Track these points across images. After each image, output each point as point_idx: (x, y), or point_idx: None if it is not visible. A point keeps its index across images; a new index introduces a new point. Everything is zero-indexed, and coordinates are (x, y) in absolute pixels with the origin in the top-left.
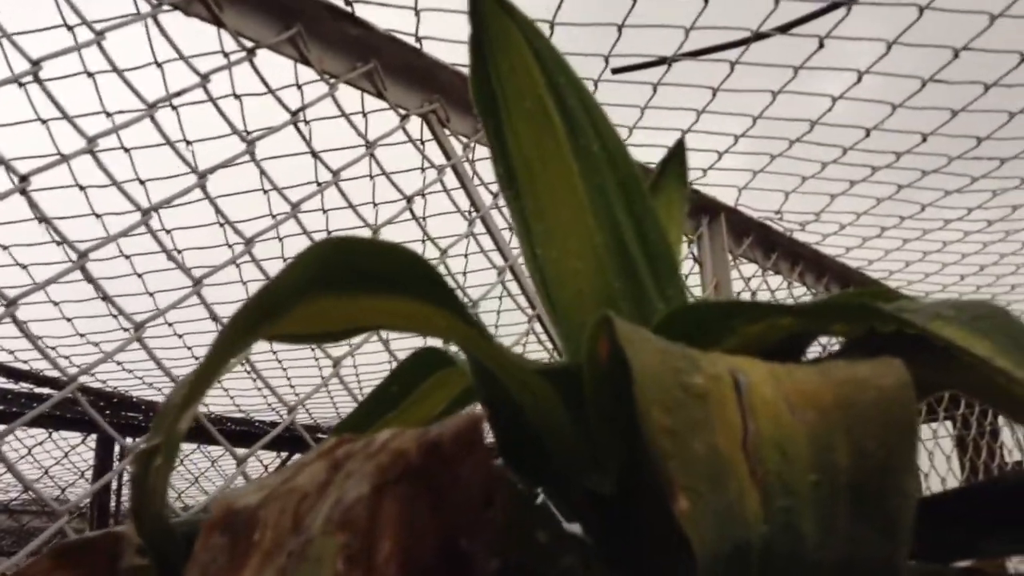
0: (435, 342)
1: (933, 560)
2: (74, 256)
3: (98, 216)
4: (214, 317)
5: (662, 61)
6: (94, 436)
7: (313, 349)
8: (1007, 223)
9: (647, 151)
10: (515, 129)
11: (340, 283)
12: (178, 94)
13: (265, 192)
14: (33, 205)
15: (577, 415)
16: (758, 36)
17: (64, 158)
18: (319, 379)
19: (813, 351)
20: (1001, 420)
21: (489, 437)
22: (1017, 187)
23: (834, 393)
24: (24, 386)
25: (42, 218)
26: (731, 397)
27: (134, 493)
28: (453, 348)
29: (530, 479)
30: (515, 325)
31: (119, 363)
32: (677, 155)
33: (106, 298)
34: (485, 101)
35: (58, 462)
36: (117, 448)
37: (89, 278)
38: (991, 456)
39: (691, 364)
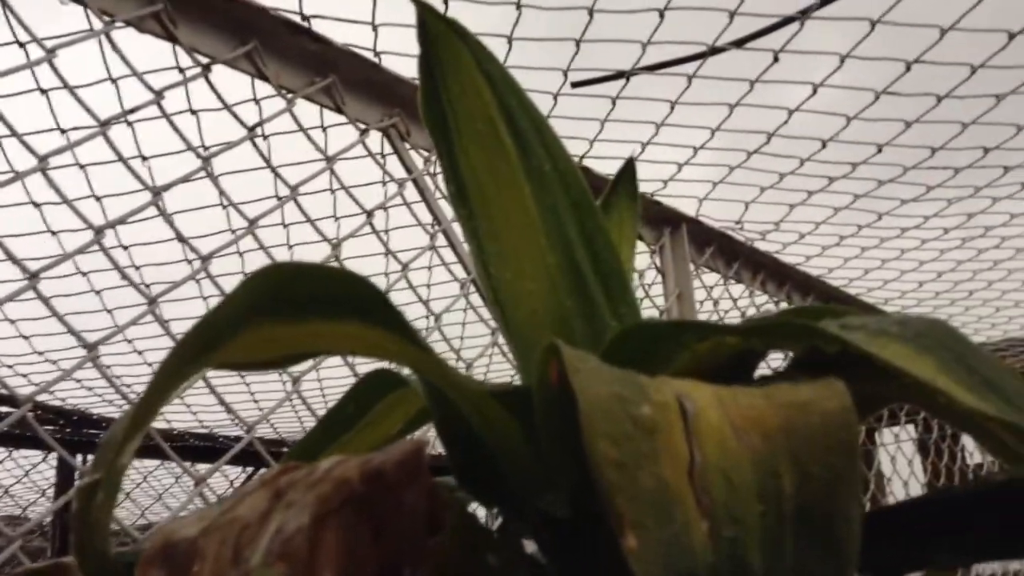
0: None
1: (885, 573)
2: (27, 275)
3: (54, 233)
4: (170, 335)
5: (620, 75)
6: (55, 454)
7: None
8: (963, 230)
9: (607, 163)
10: (467, 151)
11: (285, 309)
12: (132, 111)
13: (224, 207)
14: None
15: (530, 436)
16: (714, 50)
17: (18, 175)
18: (283, 392)
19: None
20: None
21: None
22: (971, 196)
23: (778, 417)
24: None
25: None
26: (678, 425)
27: (76, 529)
28: (405, 369)
29: (485, 499)
30: (479, 337)
31: (78, 380)
32: (627, 173)
33: (59, 318)
34: (436, 122)
35: (19, 480)
36: (79, 462)
37: (42, 298)
38: (952, 459)
39: (638, 393)
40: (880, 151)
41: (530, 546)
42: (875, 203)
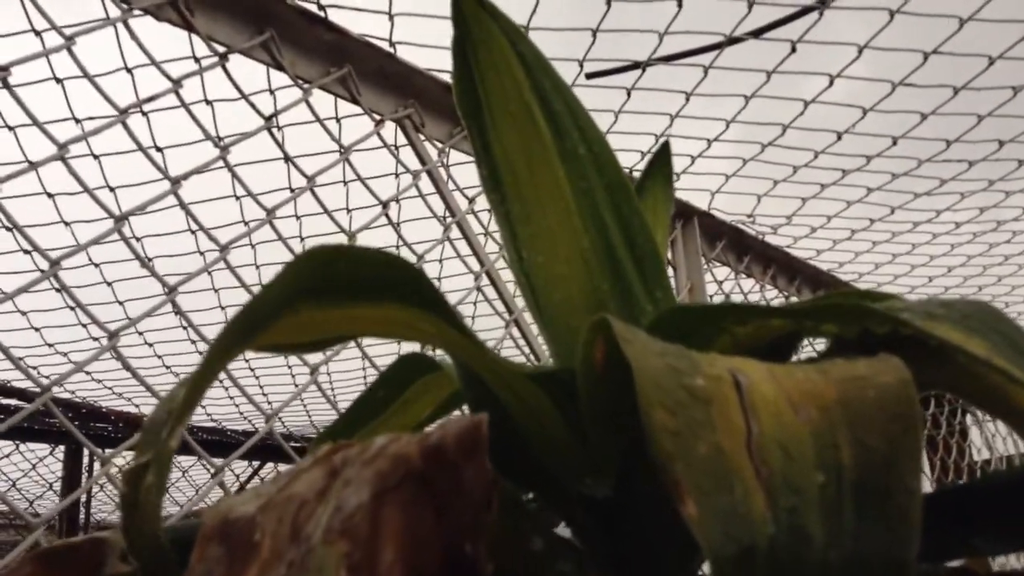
0: (409, 347)
1: (925, 559)
2: (44, 264)
3: (67, 224)
4: (189, 324)
5: (636, 66)
6: (62, 448)
7: (287, 358)
8: (975, 225)
9: (622, 156)
10: (500, 133)
11: (327, 293)
12: (150, 99)
13: (238, 199)
14: (0, 210)
15: (570, 419)
16: (731, 40)
17: (33, 165)
18: (293, 388)
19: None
20: (969, 419)
21: None
22: (985, 189)
23: (835, 390)
24: None
25: (12, 225)
26: (733, 397)
27: (125, 512)
28: (438, 352)
29: (519, 485)
30: (493, 330)
31: (88, 373)
32: (663, 156)
33: (79, 307)
34: (469, 105)
35: (26, 474)
36: (86, 459)
37: (62, 287)
38: (960, 455)
39: (691, 365)
40: (895, 143)
41: (563, 532)
42: (888, 196)
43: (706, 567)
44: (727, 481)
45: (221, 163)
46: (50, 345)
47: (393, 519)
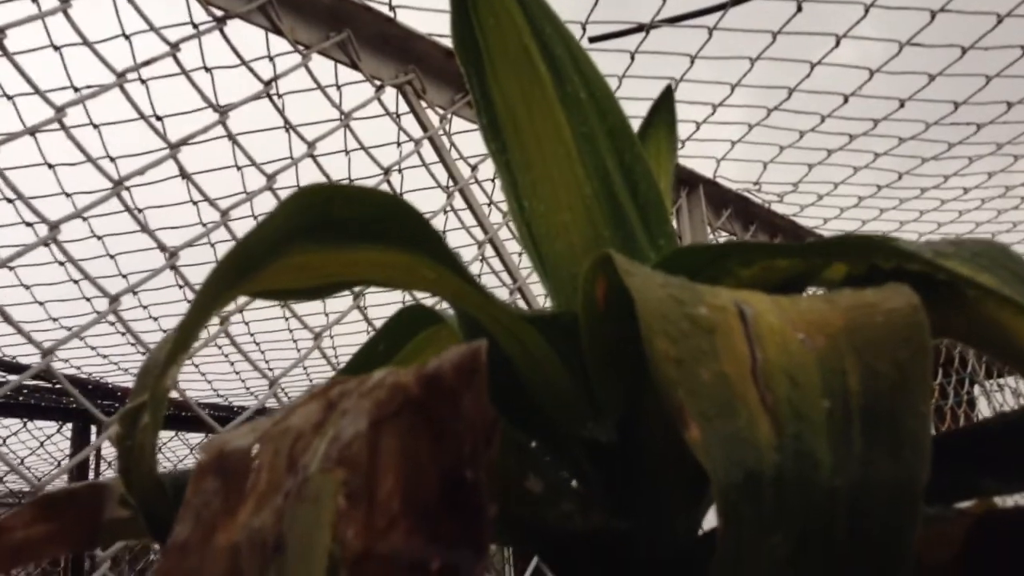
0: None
1: (933, 501)
2: (44, 230)
3: (68, 195)
4: (188, 284)
5: (640, 28)
6: (70, 425)
7: (288, 321)
8: (983, 190)
9: None
10: (499, 79)
11: (322, 233)
12: (149, 63)
13: (239, 168)
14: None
15: (572, 364)
16: (737, 0)
17: (31, 131)
18: (296, 356)
19: None
20: (977, 390)
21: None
22: (993, 153)
23: (842, 318)
24: None
25: (15, 194)
26: (737, 327)
27: (121, 453)
28: (440, 305)
29: (523, 432)
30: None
31: (93, 348)
32: (666, 102)
33: (80, 268)
34: (467, 51)
35: (33, 452)
36: (94, 437)
37: (62, 251)
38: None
39: (694, 296)
40: (903, 106)
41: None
42: (896, 161)
43: (711, 515)
44: (731, 407)
45: (222, 130)
46: (54, 319)
47: (391, 447)
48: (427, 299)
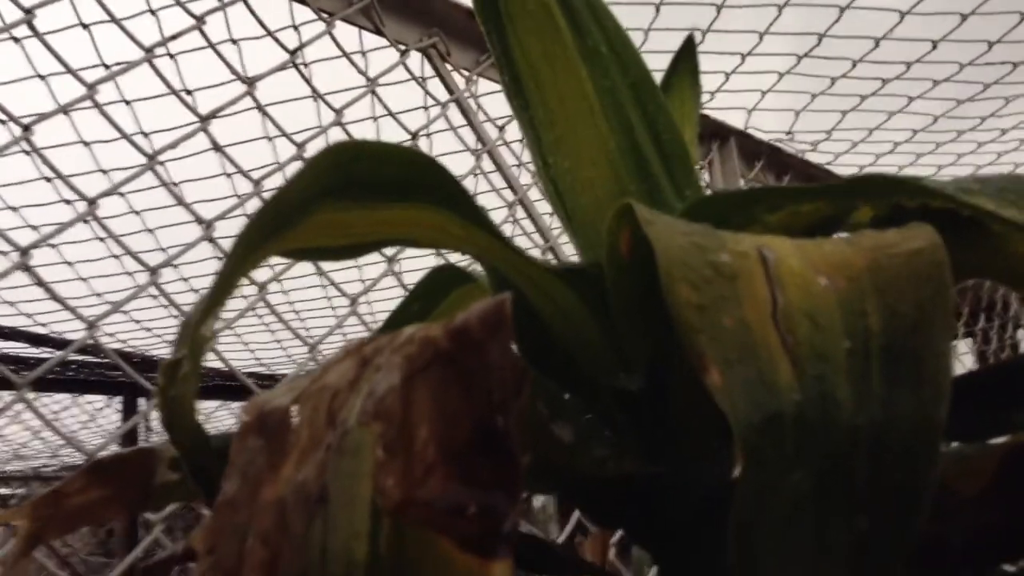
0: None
1: (968, 437)
2: (83, 207)
3: (105, 172)
4: (225, 255)
5: None
6: (119, 399)
7: (325, 290)
8: (1021, 131)
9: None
10: (519, 35)
11: (354, 191)
12: (175, 37)
13: (270, 139)
14: (35, 151)
15: (599, 315)
16: None
17: (64, 109)
18: (334, 322)
19: None
20: (1021, 334)
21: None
22: None
23: (864, 259)
24: (46, 351)
25: (53, 173)
26: (758, 271)
27: (163, 404)
28: (474, 266)
29: (555, 384)
30: None
31: (138, 322)
32: (687, 52)
33: (119, 242)
34: (487, 8)
35: (84, 425)
36: (142, 406)
37: (102, 226)
38: None
39: (716, 242)
40: (935, 47)
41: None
42: (930, 105)
43: None
44: (752, 351)
45: (251, 102)
46: (98, 295)
47: (424, 399)
48: (460, 261)
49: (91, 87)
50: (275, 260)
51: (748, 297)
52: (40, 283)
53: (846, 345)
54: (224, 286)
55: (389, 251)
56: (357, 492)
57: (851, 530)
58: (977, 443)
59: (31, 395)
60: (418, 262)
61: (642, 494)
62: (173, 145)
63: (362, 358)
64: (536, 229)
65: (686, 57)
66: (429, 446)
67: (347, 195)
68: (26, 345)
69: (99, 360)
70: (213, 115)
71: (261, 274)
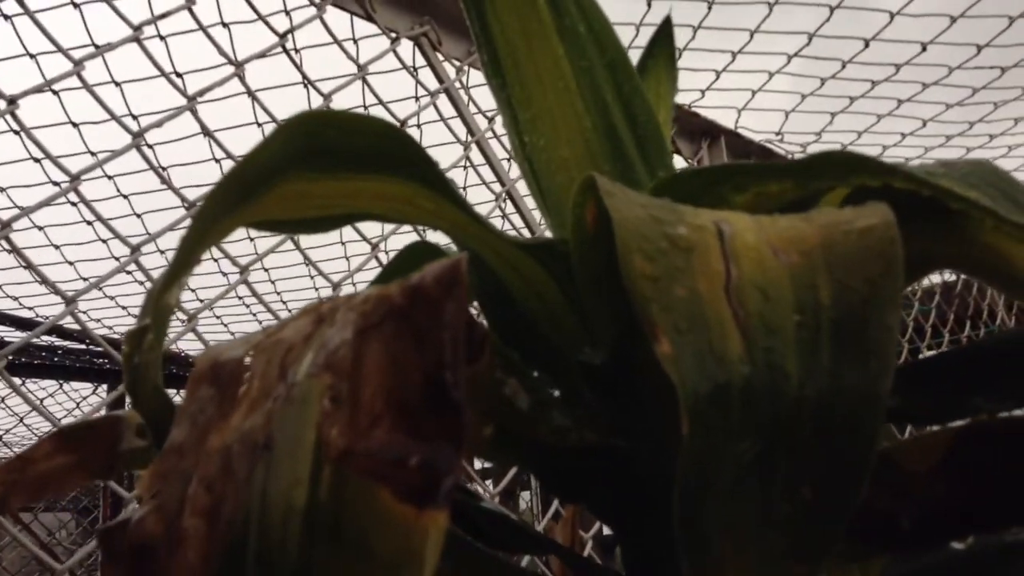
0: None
1: (928, 421)
2: (68, 182)
3: (93, 154)
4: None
5: None
6: (105, 386)
7: (313, 279)
8: (1009, 137)
9: None
10: (498, 14)
11: (322, 160)
12: (165, 15)
13: (259, 125)
14: (23, 129)
15: (566, 290)
16: None
17: (50, 83)
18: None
19: None
20: None
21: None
22: (1018, 98)
23: (818, 235)
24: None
25: (40, 152)
26: (714, 245)
27: (127, 371)
28: (446, 242)
29: (524, 361)
30: None
31: (124, 308)
32: (664, 34)
33: (103, 221)
34: None
35: (70, 413)
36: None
37: (85, 204)
38: None
39: (674, 216)
40: (924, 50)
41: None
42: (919, 108)
43: None
44: (703, 322)
45: (241, 87)
46: (84, 279)
47: (375, 353)
48: (449, 245)
49: (78, 63)
50: (263, 245)
51: (702, 269)
52: (15, 250)
53: (796, 318)
54: (187, 255)
55: (373, 236)
56: (301, 440)
57: (794, 499)
58: (933, 426)
59: (16, 380)
60: (402, 244)
61: (604, 467)
62: (159, 123)
63: (319, 315)
64: (523, 222)
65: (663, 40)
66: (376, 398)
67: (315, 164)
68: (11, 329)
69: (86, 347)
70: (200, 94)
71: (245, 256)
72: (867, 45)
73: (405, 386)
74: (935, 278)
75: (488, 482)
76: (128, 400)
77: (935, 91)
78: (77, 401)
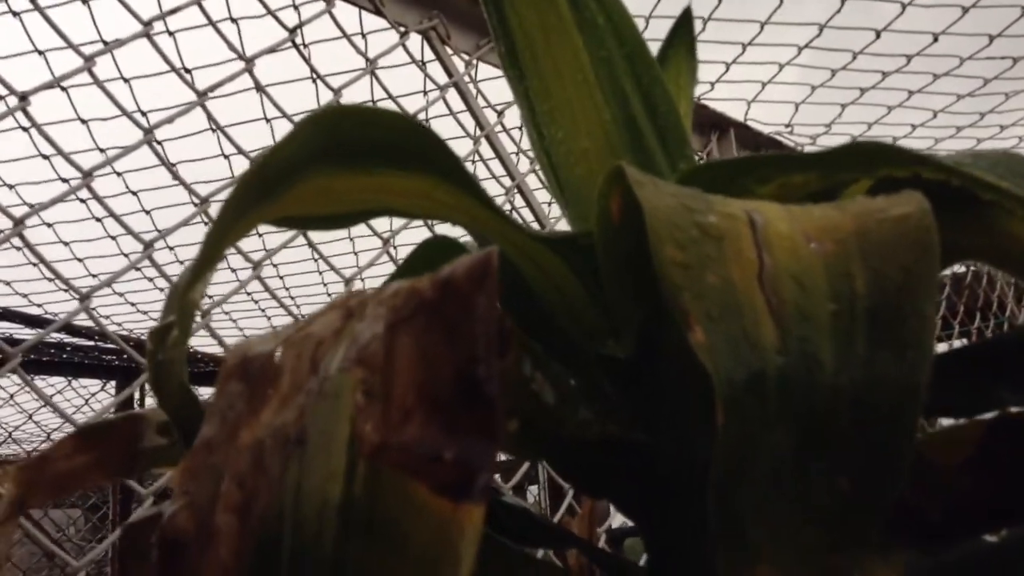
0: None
1: (956, 415)
2: (80, 179)
3: (102, 151)
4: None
5: None
6: (113, 383)
7: (321, 275)
8: (1020, 128)
9: None
10: (516, 6)
11: (345, 156)
12: (174, 11)
13: (268, 121)
14: (34, 125)
15: (588, 284)
16: None
17: (59, 80)
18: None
19: None
20: None
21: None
22: None
23: (851, 223)
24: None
25: (51, 149)
26: (746, 233)
27: (152, 368)
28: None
29: (544, 355)
30: None
31: (134, 304)
32: (684, 24)
33: (116, 217)
34: None
35: (79, 409)
36: (136, 394)
37: (97, 199)
38: None
39: (705, 204)
40: (936, 40)
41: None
42: (930, 99)
43: None
44: (736, 310)
45: (250, 82)
46: (94, 275)
47: (406, 347)
48: (463, 238)
49: (88, 59)
50: (272, 241)
51: (734, 257)
52: (28, 246)
53: (831, 307)
54: (212, 251)
55: (384, 230)
56: (335, 435)
57: (832, 491)
58: (961, 418)
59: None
60: (413, 240)
61: (628, 461)
62: (170, 119)
63: (347, 309)
64: (534, 216)
65: (683, 30)
66: (409, 392)
67: (334, 160)
68: (21, 326)
69: (95, 344)
70: (211, 90)
71: (256, 252)
72: (878, 36)
73: (437, 380)
74: (945, 271)
75: (496, 476)
76: (140, 398)
77: (946, 82)
78: (86, 398)
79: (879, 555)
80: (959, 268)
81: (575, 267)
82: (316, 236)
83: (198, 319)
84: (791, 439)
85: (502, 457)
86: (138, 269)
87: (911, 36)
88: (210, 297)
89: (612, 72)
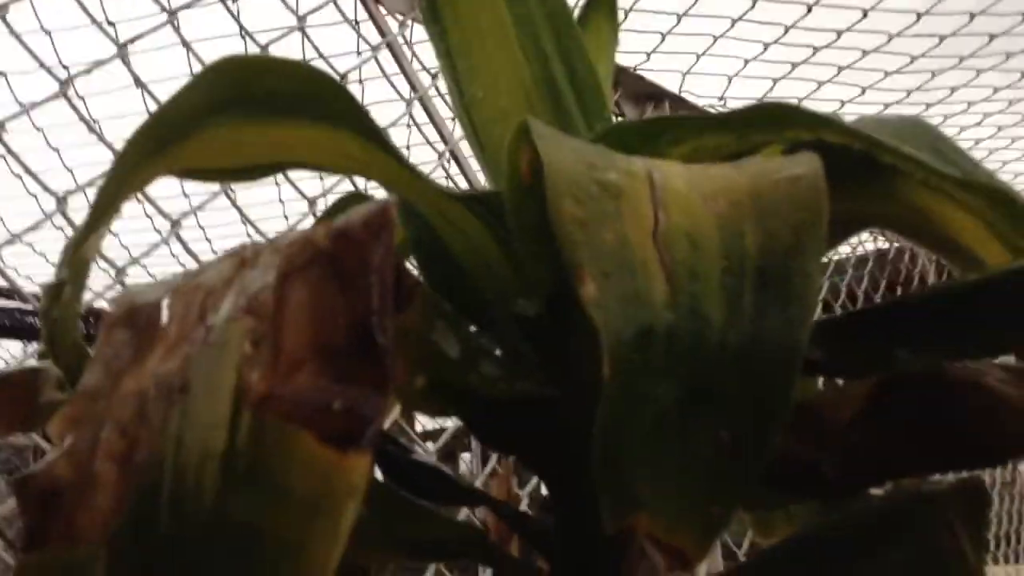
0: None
1: (852, 375)
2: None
3: (22, 105)
4: (147, 198)
5: None
6: (34, 345)
7: (251, 237)
8: (945, 106)
9: None
10: None
11: (245, 106)
12: None
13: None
14: None
15: (501, 241)
16: None
17: None
18: None
19: None
20: None
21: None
22: (955, 67)
23: (747, 183)
24: None
25: None
26: (644, 191)
27: (45, 326)
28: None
29: (459, 312)
30: None
31: (54, 264)
32: None
33: (30, 172)
34: None
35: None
36: None
37: (12, 154)
38: None
39: (606, 161)
40: (865, 16)
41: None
42: (858, 75)
43: None
44: (629, 266)
45: (176, 38)
46: (15, 236)
47: (298, 296)
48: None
49: (2, 6)
50: (197, 201)
51: (630, 214)
52: None
53: (722, 265)
54: (107, 203)
55: (310, 191)
56: (219, 384)
57: (714, 443)
58: (854, 378)
59: None
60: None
61: (537, 420)
62: (87, 70)
63: (242, 258)
64: (467, 183)
65: None
66: (300, 342)
67: (239, 110)
68: None
69: (16, 305)
70: (131, 42)
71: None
72: (809, 10)
73: (330, 330)
74: (868, 245)
75: (429, 443)
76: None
77: (874, 58)
78: (7, 361)
79: (759, 504)
80: (883, 244)
81: (489, 225)
82: (244, 198)
83: (115, 277)
84: (676, 393)
85: (430, 425)
86: (59, 229)
87: (841, 11)
88: (132, 256)
89: (533, 31)
